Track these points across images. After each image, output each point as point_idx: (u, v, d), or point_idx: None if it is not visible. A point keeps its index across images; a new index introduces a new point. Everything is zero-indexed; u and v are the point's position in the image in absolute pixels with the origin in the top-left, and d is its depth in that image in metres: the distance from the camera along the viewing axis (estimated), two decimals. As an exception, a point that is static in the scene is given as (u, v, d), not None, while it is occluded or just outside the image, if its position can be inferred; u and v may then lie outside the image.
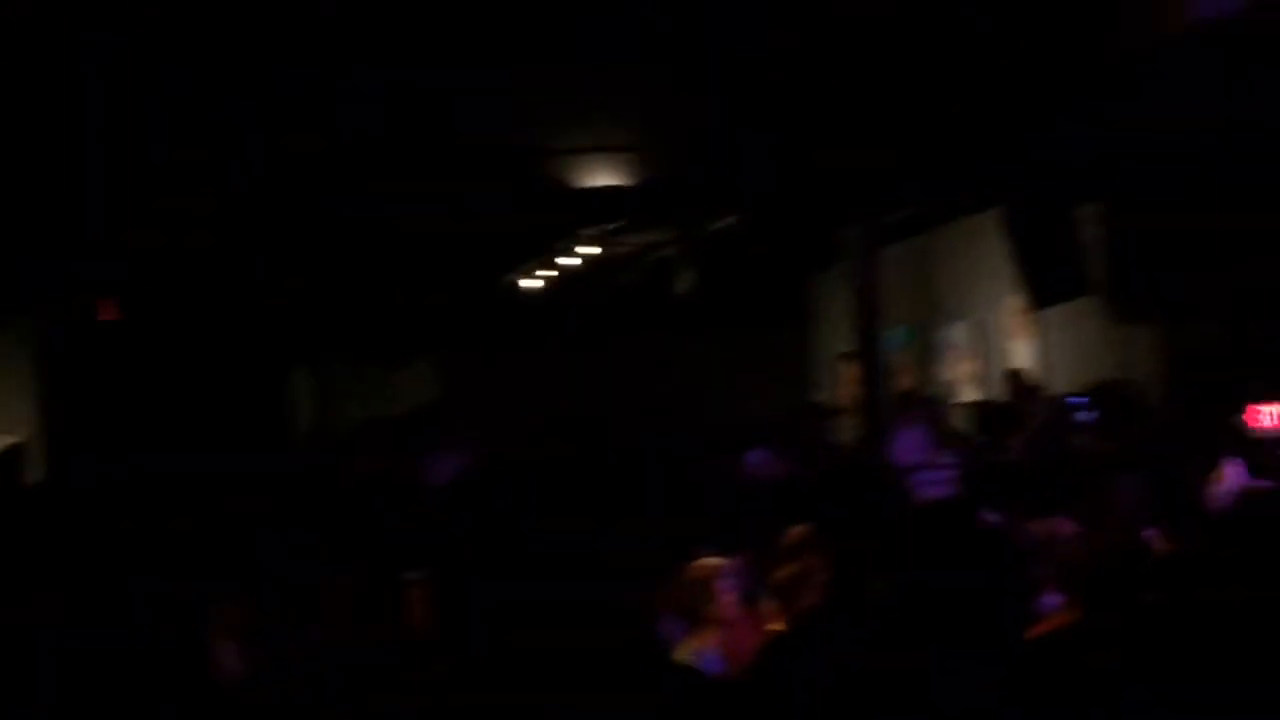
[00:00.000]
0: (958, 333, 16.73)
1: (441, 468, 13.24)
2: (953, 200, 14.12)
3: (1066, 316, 14.23)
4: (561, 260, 16.11)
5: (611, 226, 14.43)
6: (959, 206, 14.75)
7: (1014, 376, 14.73)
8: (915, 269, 16.95)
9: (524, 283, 17.26)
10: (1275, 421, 11.08)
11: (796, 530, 6.54)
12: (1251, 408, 11.39)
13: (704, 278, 14.83)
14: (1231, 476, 7.18)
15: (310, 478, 13.76)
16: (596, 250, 15.32)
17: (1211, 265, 12.29)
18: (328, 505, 11.15)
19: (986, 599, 3.58)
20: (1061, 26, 10.55)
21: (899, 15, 10.63)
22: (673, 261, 15.36)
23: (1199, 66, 10.70)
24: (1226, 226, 12.04)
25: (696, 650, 6.30)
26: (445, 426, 16.03)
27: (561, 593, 8.74)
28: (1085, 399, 12.46)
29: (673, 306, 15.88)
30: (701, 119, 11.12)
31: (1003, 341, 15.85)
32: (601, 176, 12.05)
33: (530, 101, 10.85)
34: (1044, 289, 13.22)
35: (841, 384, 17.47)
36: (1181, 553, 3.73)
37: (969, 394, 16.31)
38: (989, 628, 3.52)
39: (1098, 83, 11.00)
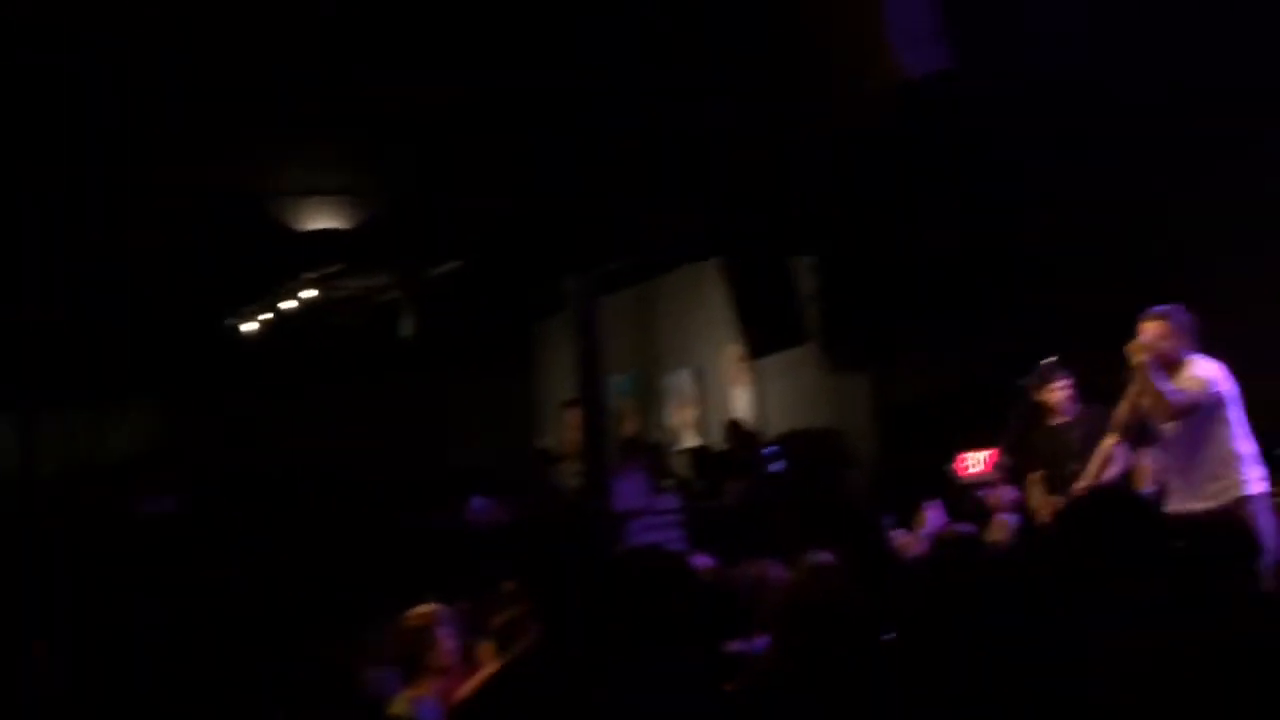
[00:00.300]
0: (679, 380, 16.94)
1: (155, 510, 12.93)
2: (674, 249, 14.31)
3: (783, 365, 14.52)
4: (282, 304, 15.86)
5: (332, 269, 14.27)
6: (680, 255, 14.95)
7: (732, 424, 14.99)
8: (638, 316, 17.12)
9: (244, 326, 16.94)
10: (982, 469, 11.43)
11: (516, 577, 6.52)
12: (960, 455, 11.76)
13: (426, 322, 14.74)
14: (932, 520, 7.40)
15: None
16: (315, 294, 15.12)
17: (922, 316, 12.65)
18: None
19: (687, 642, 3.61)
20: (779, 80, 10.78)
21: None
22: (396, 305, 15.24)
23: (908, 121, 11.05)
24: (936, 278, 12.42)
25: (414, 700, 6.22)
26: (160, 471, 15.64)
27: (276, 647, 8.59)
28: (776, 449, 12.74)
29: (395, 351, 15.75)
30: (423, 161, 11.07)
31: (723, 389, 16.09)
32: (320, 219, 11.91)
33: (246, 141, 10.67)
34: (761, 338, 13.47)
35: (565, 430, 17.52)
36: (876, 596, 3.84)
37: (690, 440, 16.51)
38: (690, 671, 3.55)
39: (814, 135, 11.27)
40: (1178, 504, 8.28)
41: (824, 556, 4.28)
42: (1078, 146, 11.03)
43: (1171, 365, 8.34)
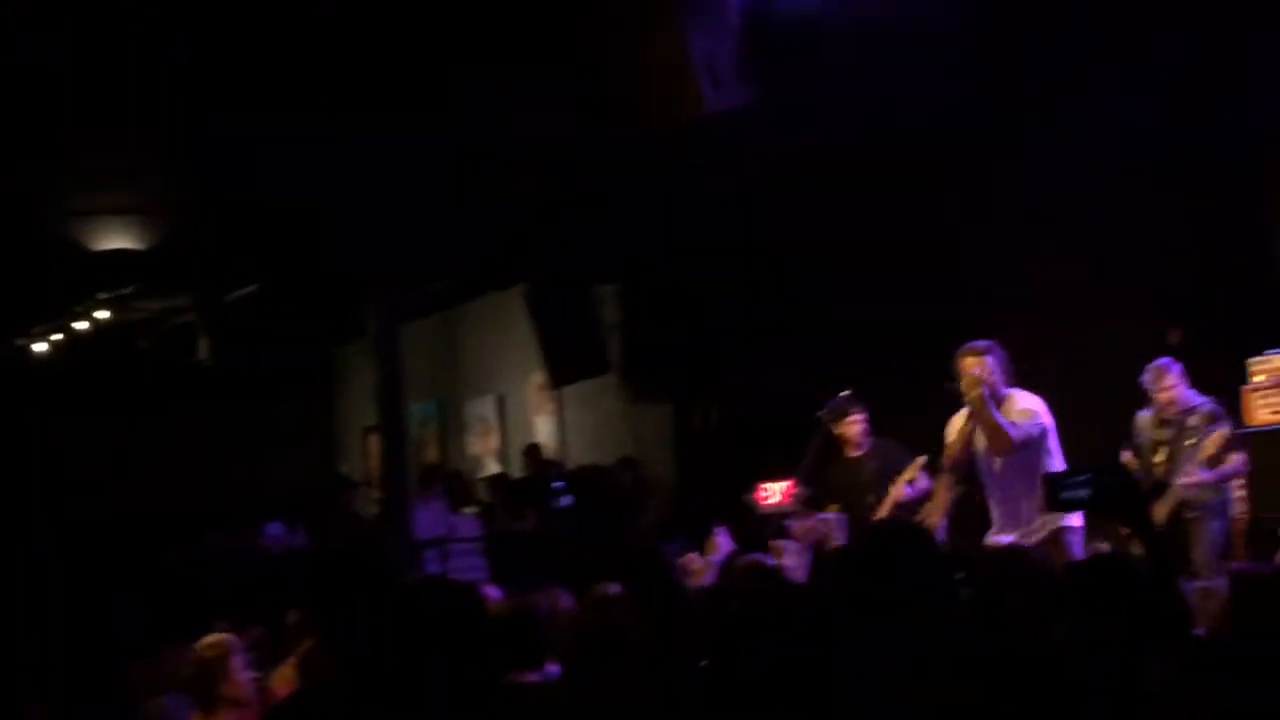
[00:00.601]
0: (482, 407, 16.90)
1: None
2: (477, 277, 14.28)
3: (585, 394, 14.56)
4: (76, 324, 15.49)
5: (127, 290, 13.97)
6: (484, 283, 14.92)
7: (532, 452, 14.98)
8: (441, 343, 17.05)
9: (34, 346, 16.51)
10: (780, 499, 11.52)
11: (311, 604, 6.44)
12: (759, 485, 11.85)
13: (225, 345, 14.50)
14: (723, 546, 7.44)
15: None
16: (109, 315, 14.80)
17: (722, 347, 12.79)
18: None
19: (475, 674, 3.59)
20: (584, 109, 10.83)
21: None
22: (193, 328, 14.96)
23: (711, 154, 11.18)
24: (735, 310, 12.57)
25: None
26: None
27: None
28: (563, 484, 12.79)
29: (192, 374, 15.46)
30: (218, 184, 10.91)
31: (525, 417, 16.09)
32: (114, 239, 11.67)
33: (43, 161, 10.42)
34: (564, 366, 13.50)
35: (367, 456, 17.38)
36: (663, 626, 3.87)
37: (492, 468, 16.48)
38: (478, 703, 3.54)
39: (617, 167, 11.33)
40: (998, 534, 8.43)
41: (611, 587, 4.30)
42: (870, 182, 11.26)
43: (997, 399, 8.46)
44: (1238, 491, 9.24)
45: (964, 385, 8.50)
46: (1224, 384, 9.75)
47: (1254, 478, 9.54)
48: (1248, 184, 10.43)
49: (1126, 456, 9.01)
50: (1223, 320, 10.23)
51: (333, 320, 15.77)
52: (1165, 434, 8.88)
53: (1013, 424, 8.40)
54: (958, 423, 8.69)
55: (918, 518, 9.17)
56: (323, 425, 18.84)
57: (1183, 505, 8.76)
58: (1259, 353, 9.84)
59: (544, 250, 12.53)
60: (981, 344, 8.56)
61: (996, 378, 8.50)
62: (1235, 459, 8.82)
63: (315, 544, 13.33)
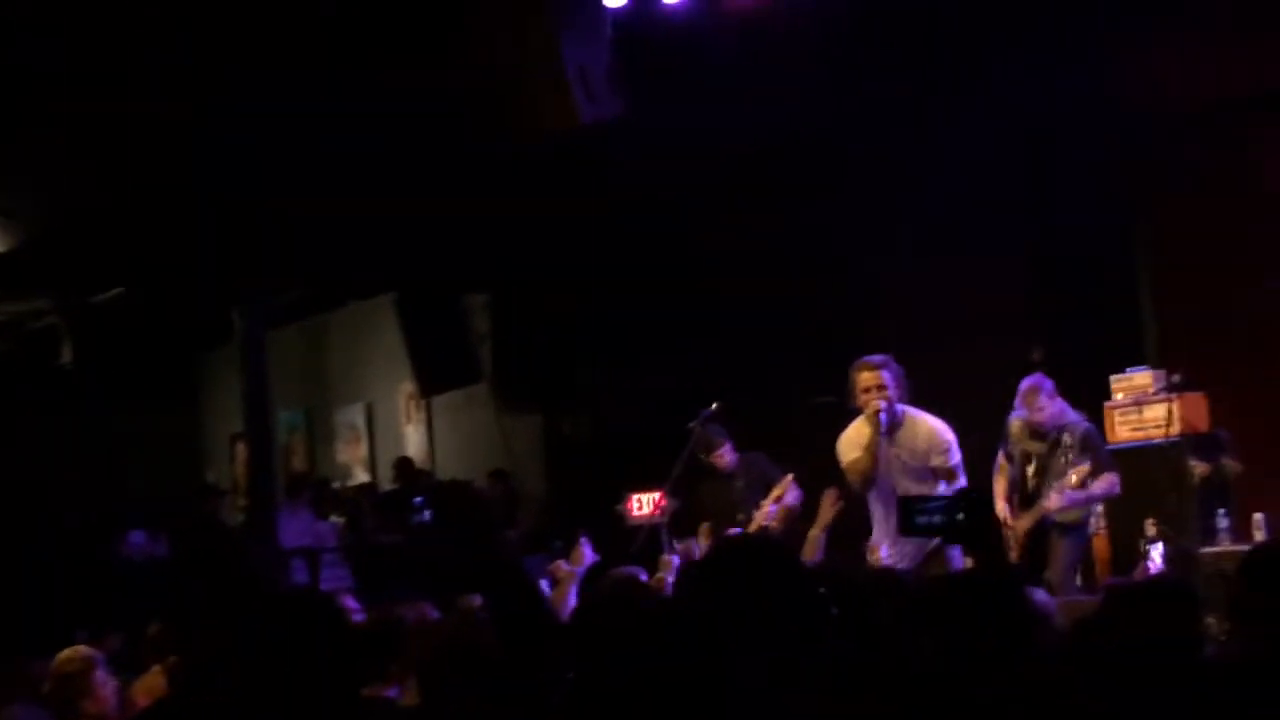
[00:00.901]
0: (351, 416, 16.75)
1: None
2: (345, 284, 14.15)
3: (455, 404, 14.49)
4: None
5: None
6: (353, 290, 14.79)
7: (402, 464, 14.87)
8: (310, 350, 16.88)
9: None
10: (649, 510, 11.51)
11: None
12: (630, 496, 11.83)
13: (88, 350, 14.23)
14: (587, 556, 7.43)
15: None
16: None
17: (591, 359, 12.78)
18: None
19: (331, 686, 3.54)
20: (455, 118, 10.79)
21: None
22: (55, 332, 14.67)
23: (585, 165, 11.18)
24: (606, 321, 12.57)
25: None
26: None
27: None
28: (423, 499, 12.72)
29: (53, 379, 15.16)
30: (83, 186, 10.72)
31: (394, 426, 15.97)
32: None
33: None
34: (433, 376, 13.43)
35: (233, 464, 17.17)
36: (523, 639, 3.85)
37: (361, 477, 16.34)
38: (325, 714, 3.49)
39: (487, 176, 11.30)
40: (878, 544, 8.43)
41: (470, 601, 4.26)
42: (740, 194, 11.32)
43: (891, 415, 8.45)
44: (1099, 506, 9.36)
45: (867, 398, 8.49)
46: (1087, 401, 9.91)
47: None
48: (1113, 203, 10.62)
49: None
50: (1085, 338, 10.39)
51: (200, 325, 15.54)
52: (1037, 447, 8.92)
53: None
54: (854, 437, 8.67)
55: (776, 530, 9.19)
56: (189, 432, 18.57)
57: (1047, 520, 8.85)
58: (1120, 370, 10.01)
59: (414, 259, 12.44)
60: (877, 358, 8.53)
61: (893, 393, 8.48)
62: (1106, 480, 8.89)
63: (177, 553, 13.11)
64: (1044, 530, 8.85)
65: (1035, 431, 8.94)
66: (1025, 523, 8.81)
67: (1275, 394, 9.27)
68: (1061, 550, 8.84)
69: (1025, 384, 8.98)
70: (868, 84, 10.60)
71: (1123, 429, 9.84)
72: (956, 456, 8.51)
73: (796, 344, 11.34)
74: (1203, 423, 9.78)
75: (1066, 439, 8.78)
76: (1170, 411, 9.39)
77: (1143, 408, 9.76)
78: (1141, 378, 9.90)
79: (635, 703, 3.47)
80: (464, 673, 3.96)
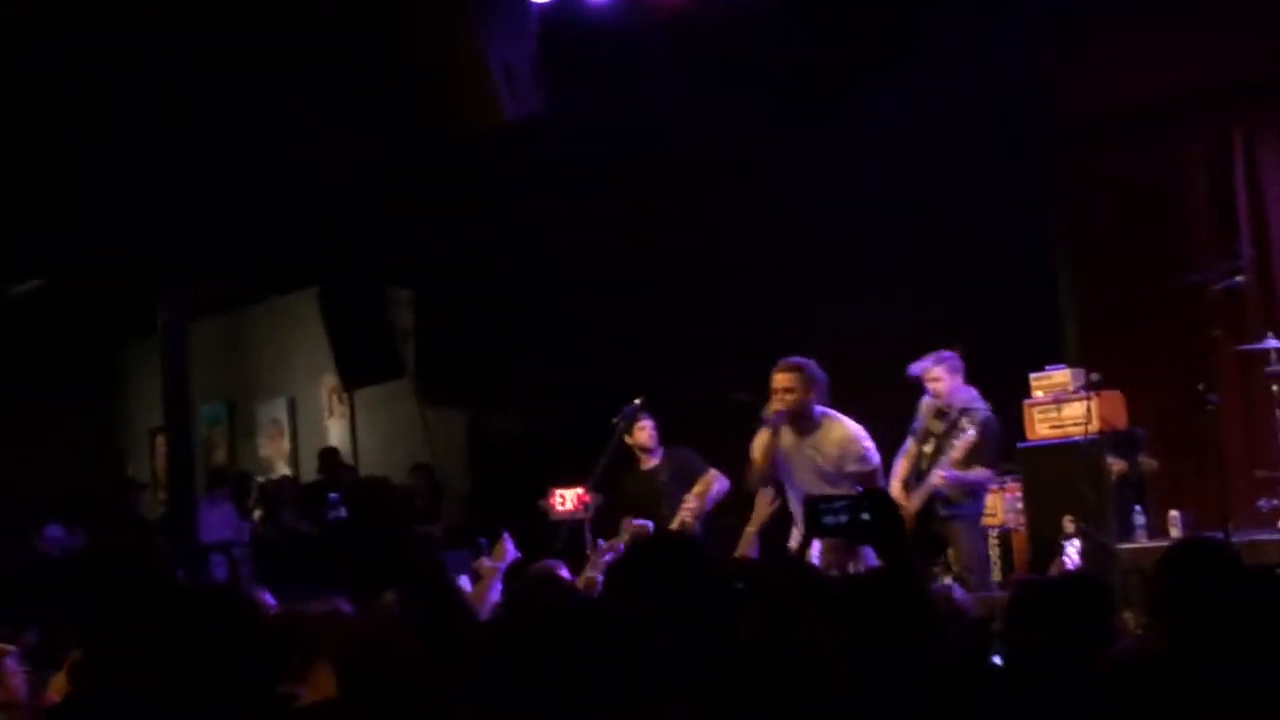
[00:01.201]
0: (274, 410, 16.65)
1: None
2: (267, 277, 14.07)
3: (378, 398, 14.43)
4: None
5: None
6: (277, 283, 14.71)
7: (327, 456, 14.79)
8: (233, 344, 16.77)
9: None
10: (572, 505, 11.51)
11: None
12: (553, 491, 11.83)
13: (6, 343, 14.09)
14: (510, 553, 7.42)
15: None
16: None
17: (515, 354, 12.76)
18: None
19: (246, 684, 3.52)
20: (381, 114, 10.76)
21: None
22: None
23: (507, 161, 11.17)
24: (530, 316, 12.56)
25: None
26: None
27: None
28: (337, 497, 12.67)
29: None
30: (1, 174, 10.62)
31: (317, 420, 15.89)
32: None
33: None
34: (356, 370, 13.36)
35: (154, 457, 17.04)
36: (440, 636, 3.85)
37: (284, 471, 16.24)
38: (248, 715, 3.48)
39: (411, 172, 11.27)
40: (810, 550, 8.45)
41: (387, 598, 4.25)
42: (662, 193, 11.35)
43: (809, 417, 8.47)
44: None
45: (772, 401, 8.51)
46: (1007, 398, 10.00)
47: (1032, 491, 9.80)
48: (1033, 203, 10.72)
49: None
50: (1006, 336, 10.48)
51: (121, 319, 15.41)
52: (939, 426, 8.99)
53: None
54: (762, 438, 8.69)
55: (690, 524, 9.22)
56: (110, 425, 18.40)
57: (935, 500, 8.90)
58: (1040, 368, 10.11)
59: (338, 253, 12.39)
60: (793, 360, 8.52)
61: (805, 396, 8.46)
62: (984, 472, 8.97)
63: (93, 547, 12.99)
64: (937, 515, 8.89)
65: (940, 411, 9.00)
66: (915, 503, 8.87)
67: (1191, 393, 9.37)
68: (959, 538, 8.88)
69: (931, 355, 9.04)
70: (790, 82, 10.65)
71: (1042, 426, 9.94)
72: (874, 461, 8.51)
73: (721, 340, 11.37)
74: (1121, 421, 9.89)
75: (965, 422, 8.81)
76: (1089, 409, 9.50)
77: (1062, 405, 9.86)
78: (1061, 376, 10.00)
79: (553, 696, 3.47)
80: (379, 670, 3.96)
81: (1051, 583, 5.74)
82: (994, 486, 9.38)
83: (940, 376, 9.01)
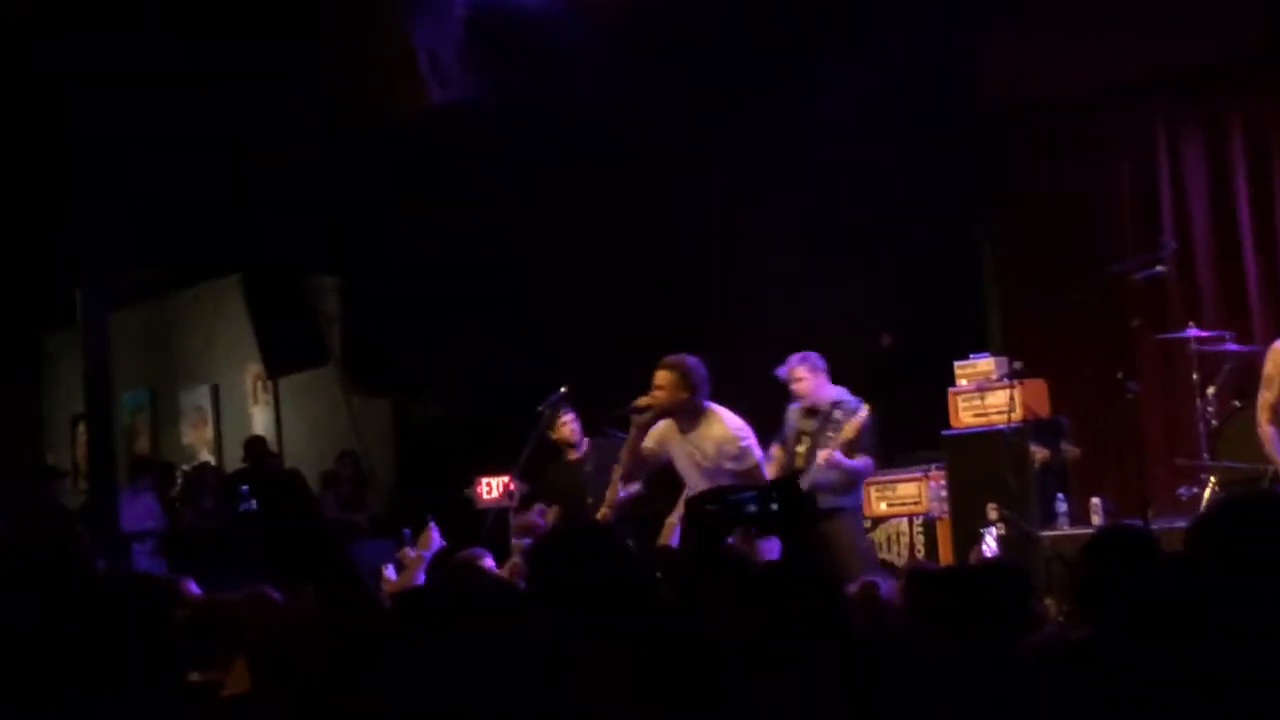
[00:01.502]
0: (197, 397, 16.51)
1: None
2: (189, 264, 13.93)
3: (303, 385, 14.34)
4: None
5: None
6: (199, 270, 14.58)
7: (251, 441, 14.67)
8: (155, 331, 16.62)
9: None
10: (498, 494, 11.50)
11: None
12: (479, 479, 11.81)
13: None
14: (435, 541, 7.38)
15: None
16: None
17: (440, 342, 12.71)
18: None
19: (162, 674, 3.49)
20: (301, 101, 10.68)
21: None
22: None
23: (437, 149, 11.12)
24: (456, 305, 12.51)
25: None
26: None
27: None
28: (246, 489, 12.60)
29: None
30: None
31: (241, 408, 15.78)
32: None
33: None
34: (281, 357, 13.25)
35: (75, 446, 16.87)
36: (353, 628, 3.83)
37: (207, 459, 16.11)
38: (158, 706, 3.44)
39: (336, 158, 11.20)
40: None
41: (301, 589, 4.21)
42: (594, 183, 11.33)
43: (689, 414, 8.34)
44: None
45: (647, 399, 8.43)
46: (931, 386, 10.04)
47: (956, 479, 9.87)
48: (958, 192, 10.78)
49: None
50: (930, 324, 10.54)
51: (42, 305, 15.23)
52: (810, 424, 8.94)
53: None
54: (655, 431, 8.53)
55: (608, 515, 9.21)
56: (30, 413, 18.19)
57: (815, 491, 8.82)
58: (964, 357, 10.17)
59: (262, 240, 12.29)
60: (677, 358, 8.37)
61: (690, 392, 8.35)
62: (863, 459, 8.88)
63: (11, 535, 12.83)
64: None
65: (810, 410, 8.95)
66: None
67: (1113, 381, 9.45)
68: (841, 532, 8.79)
69: (794, 356, 9.05)
70: (716, 71, 10.66)
71: (966, 414, 10.01)
72: (754, 457, 8.35)
73: (644, 329, 11.37)
74: (1044, 409, 9.97)
75: (838, 414, 8.74)
76: (1012, 397, 9.57)
77: (985, 394, 9.92)
78: (984, 364, 10.07)
79: (471, 687, 3.46)
80: (291, 661, 3.92)
81: (943, 572, 5.76)
82: (872, 473, 9.32)
83: (804, 376, 8.98)
